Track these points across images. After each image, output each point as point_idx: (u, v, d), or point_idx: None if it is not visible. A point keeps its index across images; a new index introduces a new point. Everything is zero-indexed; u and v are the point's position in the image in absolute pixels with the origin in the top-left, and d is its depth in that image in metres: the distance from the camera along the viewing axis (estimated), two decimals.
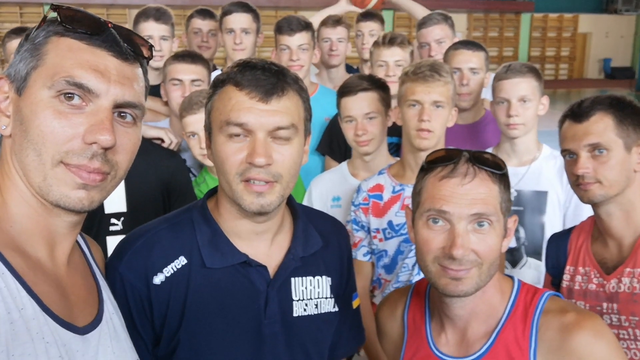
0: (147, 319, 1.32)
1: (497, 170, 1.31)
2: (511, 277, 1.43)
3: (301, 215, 1.45)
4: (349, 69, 3.81)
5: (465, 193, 1.28)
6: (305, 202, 2.58)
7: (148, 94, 1.15)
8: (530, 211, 2.49)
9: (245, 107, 1.24)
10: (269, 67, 1.27)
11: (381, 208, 2.28)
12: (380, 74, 2.88)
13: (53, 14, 1.01)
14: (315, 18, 3.62)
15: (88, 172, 0.98)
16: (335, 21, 3.43)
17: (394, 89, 2.56)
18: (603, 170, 1.73)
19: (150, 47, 1.10)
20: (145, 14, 3.16)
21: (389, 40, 2.97)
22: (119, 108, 1.02)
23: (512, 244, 2.47)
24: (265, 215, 1.30)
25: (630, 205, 1.77)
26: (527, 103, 2.44)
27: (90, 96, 0.98)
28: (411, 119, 2.16)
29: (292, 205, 1.46)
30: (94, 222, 2.24)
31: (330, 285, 1.46)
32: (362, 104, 2.35)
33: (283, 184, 1.28)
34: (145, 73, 1.11)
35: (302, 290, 1.40)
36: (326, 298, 1.44)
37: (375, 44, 3.06)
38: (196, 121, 2.40)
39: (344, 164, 2.61)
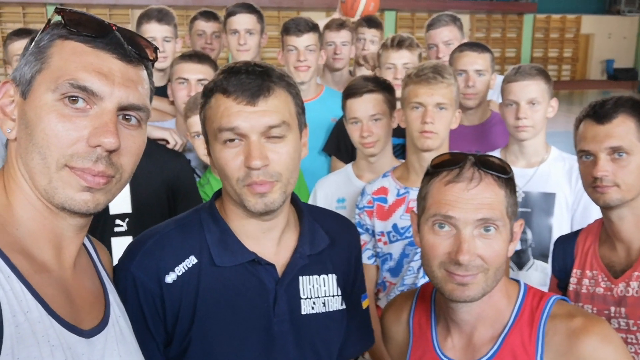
0: (160, 319, 1.33)
1: (503, 175, 1.30)
2: (517, 281, 1.42)
3: (306, 214, 1.47)
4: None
5: (471, 198, 1.26)
6: (310, 203, 2.56)
7: (153, 95, 1.14)
8: (538, 213, 2.48)
9: (234, 112, 1.26)
10: (252, 70, 1.29)
11: (386, 211, 2.27)
12: (388, 76, 2.87)
13: (57, 17, 1.01)
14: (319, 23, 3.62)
15: (92, 175, 0.98)
16: (339, 25, 3.43)
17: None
18: (622, 174, 1.70)
19: (155, 49, 1.10)
20: (147, 16, 3.15)
21: (397, 43, 2.96)
22: (124, 111, 1.02)
23: (519, 246, 2.45)
24: (270, 213, 1.32)
25: None
26: (536, 105, 2.43)
27: (94, 99, 0.98)
28: (414, 121, 2.16)
29: (298, 204, 1.48)
30: (99, 223, 2.24)
31: (338, 282, 1.47)
32: (367, 105, 2.35)
33: (284, 181, 1.29)
34: (150, 75, 1.11)
35: (310, 289, 1.41)
36: (333, 296, 1.45)
37: (384, 46, 3.05)
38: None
39: (349, 165, 2.61)
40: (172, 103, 2.84)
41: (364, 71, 3.49)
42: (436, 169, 1.34)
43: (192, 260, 1.34)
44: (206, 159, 2.44)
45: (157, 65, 2.97)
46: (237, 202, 1.31)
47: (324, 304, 1.43)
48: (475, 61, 2.84)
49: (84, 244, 1.18)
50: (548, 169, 2.49)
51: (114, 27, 1.02)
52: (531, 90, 2.43)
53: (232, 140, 1.27)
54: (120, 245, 2.27)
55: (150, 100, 1.10)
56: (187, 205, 2.42)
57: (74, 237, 1.07)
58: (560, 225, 2.46)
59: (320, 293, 1.43)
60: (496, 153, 2.57)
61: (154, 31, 3.11)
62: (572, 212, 2.46)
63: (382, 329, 1.62)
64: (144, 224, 2.28)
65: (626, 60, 27.76)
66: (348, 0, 3.69)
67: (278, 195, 1.28)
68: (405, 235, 2.21)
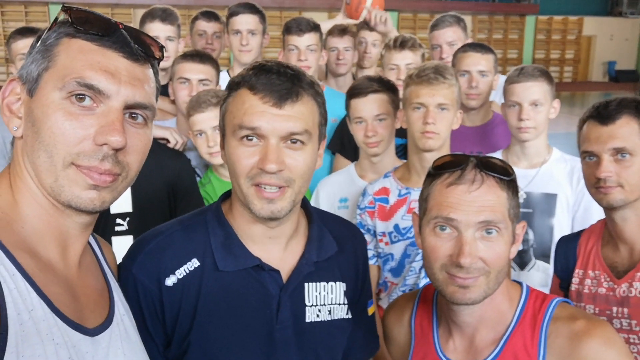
0: (159, 320, 1.31)
1: (505, 177, 1.29)
2: (520, 283, 1.41)
3: (316, 220, 1.43)
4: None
5: (473, 200, 1.25)
6: (312, 203, 2.56)
7: (159, 94, 1.14)
8: (540, 213, 2.48)
9: (258, 111, 1.22)
10: (284, 71, 1.25)
11: (387, 211, 2.27)
12: (391, 77, 2.88)
13: (64, 16, 1.01)
14: (322, 26, 3.61)
15: (99, 173, 0.98)
16: (341, 30, 3.44)
17: None
18: (626, 175, 1.70)
19: (161, 48, 1.10)
20: (151, 15, 3.16)
21: (400, 44, 2.97)
22: (130, 109, 1.02)
23: (521, 246, 2.45)
24: (277, 220, 1.29)
25: None
26: (539, 107, 2.43)
27: (101, 97, 0.98)
28: (416, 121, 2.16)
29: (308, 209, 1.44)
30: (100, 222, 2.23)
31: (345, 291, 1.44)
32: (372, 105, 2.35)
33: (295, 189, 1.26)
34: (156, 74, 1.10)
35: (316, 296, 1.38)
36: (339, 304, 1.42)
37: (387, 47, 3.06)
38: (203, 120, 2.40)
39: (352, 165, 2.61)
40: (173, 102, 2.84)
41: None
42: (438, 170, 1.33)
43: (194, 263, 1.31)
44: (208, 158, 2.44)
45: (160, 64, 2.95)
46: (243, 203, 1.28)
47: (329, 311, 1.40)
48: (479, 62, 2.84)
49: (89, 243, 1.18)
50: (550, 170, 2.49)
51: (120, 26, 1.02)
52: (534, 91, 2.42)
53: (250, 138, 1.23)
54: (120, 244, 2.26)
55: (156, 99, 1.10)
56: (187, 205, 2.43)
57: (80, 235, 1.07)
58: (561, 225, 2.46)
59: (326, 300, 1.40)
60: (498, 154, 2.57)
61: (157, 30, 3.11)
62: (573, 212, 2.46)
63: (384, 330, 1.61)
64: (144, 223, 2.29)
65: (628, 62, 27.76)
66: (353, 3, 3.68)
67: (287, 203, 1.25)
68: (407, 236, 2.21)
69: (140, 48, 1.03)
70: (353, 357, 1.53)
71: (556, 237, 2.41)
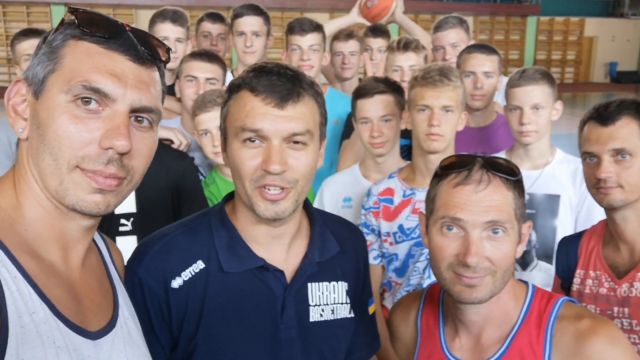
0: (165, 322, 1.32)
1: (512, 177, 1.30)
2: (525, 283, 1.42)
3: (318, 220, 1.44)
4: None
5: (480, 200, 1.26)
6: (316, 203, 2.58)
7: (165, 96, 1.14)
8: (543, 214, 2.49)
9: (260, 113, 1.23)
10: (284, 72, 1.26)
11: (392, 212, 2.28)
12: (395, 78, 2.85)
13: (71, 17, 1.00)
14: (327, 26, 3.63)
15: (104, 177, 0.98)
16: (347, 35, 3.45)
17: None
18: (626, 176, 1.72)
19: (168, 50, 1.09)
20: (162, 16, 3.18)
21: (404, 45, 2.99)
22: (136, 112, 1.01)
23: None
24: (280, 221, 1.30)
25: None
26: (540, 110, 2.43)
27: (106, 101, 0.97)
28: (421, 123, 2.16)
29: (309, 209, 1.45)
30: (104, 223, 2.24)
31: (347, 291, 1.45)
32: (378, 106, 2.36)
33: (298, 189, 1.27)
34: (162, 76, 1.10)
35: (319, 296, 1.40)
36: (342, 304, 1.44)
37: (390, 49, 3.08)
38: (209, 119, 2.42)
39: (356, 165, 2.62)
40: (179, 100, 2.85)
41: None
42: (445, 170, 1.34)
43: (199, 265, 1.32)
44: (213, 157, 2.46)
45: (167, 65, 2.96)
46: (247, 205, 1.29)
47: (332, 311, 1.41)
48: (484, 63, 2.85)
49: (95, 243, 1.18)
50: (553, 171, 2.50)
51: (127, 28, 1.01)
52: (535, 95, 2.42)
53: (252, 140, 1.24)
54: (124, 244, 2.27)
55: (162, 102, 1.10)
56: (191, 205, 2.43)
57: (82, 237, 1.06)
58: (564, 226, 2.47)
59: (329, 300, 1.41)
60: (501, 155, 2.57)
61: (167, 31, 3.13)
62: (576, 213, 2.47)
63: (390, 329, 1.63)
64: (148, 223, 2.30)
65: (629, 63, 27.74)
66: (373, 10, 3.73)
67: (290, 204, 1.26)
68: (411, 236, 2.22)
69: (146, 50, 1.03)
70: (355, 356, 1.54)
71: (559, 238, 2.41)
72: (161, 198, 2.36)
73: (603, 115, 1.75)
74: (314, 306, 1.38)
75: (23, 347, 0.86)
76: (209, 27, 3.56)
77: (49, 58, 0.99)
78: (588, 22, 27.18)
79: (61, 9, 20.94)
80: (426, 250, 2.15)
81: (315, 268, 1.38)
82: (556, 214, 2.48)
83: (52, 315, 0.93)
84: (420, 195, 2.22)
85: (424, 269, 2.18)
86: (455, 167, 1.32)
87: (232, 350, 1.31)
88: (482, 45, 2.99)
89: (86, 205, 0.98)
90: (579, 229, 2.35)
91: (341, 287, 1.44)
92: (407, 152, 2.80)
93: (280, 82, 1.24)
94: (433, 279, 1.43)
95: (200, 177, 2.68)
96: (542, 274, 2.53)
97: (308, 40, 3.06)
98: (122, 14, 21.17)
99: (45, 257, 0.99)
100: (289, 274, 1.35)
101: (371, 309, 1.59)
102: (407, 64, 2.99)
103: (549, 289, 2.23)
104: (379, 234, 2.33)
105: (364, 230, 2.33)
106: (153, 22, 3.22)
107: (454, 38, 3.30)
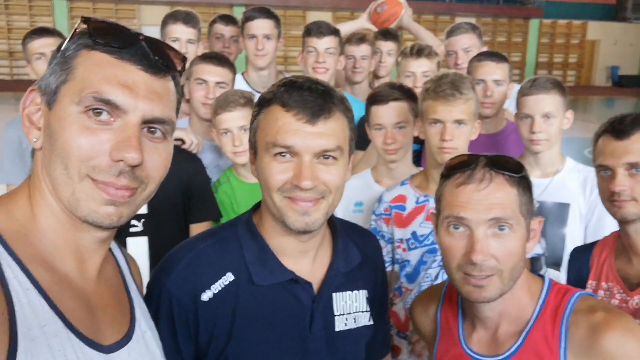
0: (190, 335, 1.32)
1: (515, 174, 1.31)
2: (542, 277, 1.42)
3: (340, 231, 1.46)
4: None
5: (483, 198, 1.28)
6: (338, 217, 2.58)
7: (180, 105, 1.12)
8: (552, 223, 2.49)
9: (292, 129, 1.23)
10: (315, 87, 1.26)
11: (404, 218, 2.28)
12: (407, 84, 2.87)
13: (83, 27, 0.99)
14: (342, 28, 3.64)
15: (116, 188, 0.97)
16: (359, 39, 3.46)
17: None
18: None
19: (183, 59, 1.07)
20: (174, 17, 3.19)
21: (417, 52, 3.00)
22: (148, 123, 1.00)
23: (537, 250, 2.46)
24: (309, 233, 1.30)
25: None
26: (551, 119, 2.43)
27: (118, 112, 0.96)
28: (433, 136, 2.16)
29: (331, 220, 1.46)
30: None
31: (367, 298, 1.48)
32: (392, 113, 2.36)
33: (329, 201, 1.28)
34: (177, 85, 1.08)
35: (343, 305, 1.42)
36: (363, 312, 1.46)
37: (403, 55, 3.10)
38: (230, 119, 2.43)
39: (368, 170, 2.62)
40: (188, 101, 2.85)
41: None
42: (449, 171, 1.36)
43: (229, 277, 1.32)
44: (232, 157, 2.47)
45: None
46: (277, 217, 1.29)
47: (355, 319, 1.43)
48: (494, 71, 2.86)
49: (113, 256, 1.17)
50: (563, 180, 2.51)
51: (140, 37, 1.00)
52: (546, 104, 2.43)
53: (283, 155, 1.24)
54: (135, 245, 2.28)
55: (177, 112, 1.08)
56: (201, 207, 2.46)
57: (97, 249, 1.05)
58: (573, 235, 2.48)
59: (351, 309, 1.43)
60: None
61: (179, 32, 3.14)
62: (585, 222, 2.48)
63: (412, 321, 1.67)
64: (159, 224, 2.32)
65: (631, 67, 27.78)
66: (383, 15, 3.75)
67: (320, 215, 1.27)
68: (425, 243, 2.23)
69: (160, 60, 1.01)
70: (374, 356, 1.58)
71: (568, 246, 2.43)
72: (172, 199, 2.36)
73: (618, 129, 1.76)
74: (339, 316, 1.40)
75: None
76: (222, 29, 3.57)
77: (61, 68, 0.98)
78: (590, 25, 27.21)
79: (63, 4, 20.94)
80: (439, 257, 2.16)
81: (341, 279, 1.40)
82: (565, 222, 2.48)
83: (64, 328, 0.92)
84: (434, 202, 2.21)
85: (436, 276, 2.19)
86: (459, 167, 1.34)
87: None
88: (492, 53, 3.00)
89: (98, 217, 0.97)
90: (589, 238, 2.36)
91: (362, 295, 1.46)
92: (417, 157, 2.81)
93: (311, 97, 1.24)
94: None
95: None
96: None
97: (324, 43, 3.08)
98: (124, 9, 21.14)
99: (60, 268, 0.99)
100: (315, 285, 1.37)
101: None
102: (420, 70, 3.00)
103: None
104: (389, 240, 2.33)
105: None
106: (165, 23, 3.23)
107: (467, 43, 3.33)
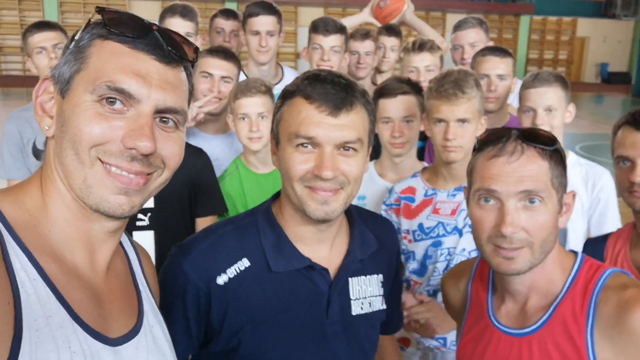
0: (202, 316, 1.36)
1: (547, 146, 1.31)
2: (575, 253, 1.42)
3: (357, 219, 1.50)
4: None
5: (513, 171, 1.28)
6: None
7: (192, 95, 1.13)
8: None
9: (314, 121, 1.27)
10: (338, 81, 1.31)
11: (412, 210, 2.30)
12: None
13: (98, 17, 0.99)
14: (346, 22, 3.65)
15: (130, 172, 0.97)
16: (363, 35, 3.46)
17: None
18: None
19: (196, 50, 1.08)
20: (172, 10, 3.20)
21: (419, 46, 3.03)
22: (160, 113, 1.01)
23: None
24: (328, 222, 1.34)
25: None
26: (554, 112, 2.46)
27: (131, 101, 0.96)
28: (437, 134, 2.17)
29: (348, 209, 1.49)
30: None
31: (382, 282, 1.53)
32: (400, 107, 2.38)
33: (348, 191, 1.32)
34: (189, 76, 1.09)
35: (359, 290, 1.46)
36: (377, 296, 1.51)
37: (405, 50, 3.12)
38: (250, 104, 2.46)
39: (371, 163, 2.63)
40: None
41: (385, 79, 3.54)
42: (482, 145, 1.37)
43: (244, 262, 1.36)
44: (247, 142, 2.50)
45: None
46: (297, 205, 1.33)
47: (370, 304, 1.48)
48: (498, 66, 2.87)
49: (123, 249, 1.18)
50: None
51: (154, 27, 1.01)
52: (548, 97, 2.45)
53: (305, 145, 1.29)
54: (141, 239, 2.28)
55: (189, 102, 1.09)
56: (207, 201, 2.47)
57: (108, 239, 1.05)
58: (574, 229, 2.50)
59: (367, 293, 1.47)
60: None
61: (177, 26, 3.13)
62: (587, 217, 2.50)
63: (443, 294, 1.70)
64: (165, 218, 2.32)
65: (620, 64, 27.97)
66: (385, 10, 3.76)
67: (339, 205, 1.31)
68: (430, 236, 2.25)
69: (173, 50, 1.01)
70: (390, 327, 1.68)
71: (570, 240, 2.45)
72: (178, 193, 2.37)
73: (638, 120, 1.79)
74: (355, 300, 1.44)
75: (36, 352, 0.86)
76: (222, 23, 3.58)
77: (75, 57, 0.98)
78: (580, 22, 27.35)
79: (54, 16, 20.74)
80: (445, 250, 2.18)
81: (358, 265, 1.45)
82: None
83: (69, 319, 0.92)
84: (442, 196, 2.24)
85: (444, 270, 2.20)
86: (491, 140, 1.35)
87: (280, 346, 1.36)
88: (496, 48, 3.02)
89: (109, 206, 0.97)
90: (593, 234, 2.38)
91: (376, 279, 1.51)
92: (420, 154, 2.82)
93: (334, 90, 1.29)
94: None
95: None
96: None
97: (330, 41, 3.08)
98: (115, 4, 20.98)
99: (69, 259, 0.99)
100: (332, 270, 1.41)
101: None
102: (423, 64, 3.02)
103: None
104: (398, 231, 2.34)
105: None
106: (162, 17, 3.24)
107: (473, 38, 3.36)
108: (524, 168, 1.29)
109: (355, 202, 2.54)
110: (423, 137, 2.66)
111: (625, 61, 28.05)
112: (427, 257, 2.25)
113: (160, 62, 1.00)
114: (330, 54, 3.08)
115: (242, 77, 3.29)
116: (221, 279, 1.34)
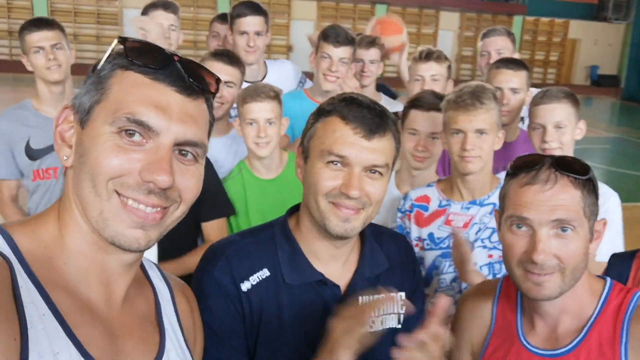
0: (241, 320, 1.40)
1: (581, 176, 1.32)
2: (604, 278, 1.43)
3: (369, 237, 1.53)
4: (381, 88, 3.78)
5: (547, 199, 1.29)
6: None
7: (212, 127, 1.11)
8: None
9: (348, 141, 1.33)
10: (373, 107, 1.37)
11: (424, 218, 2.31)
12: (416, 88, 2.93)
13: (119, 47, 0.98)
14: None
15: (147, 206, 0.95)
16: (369, 42, 3.41)
17: None
18: None
19: (217, 81, 1.06)
20: (154, 5, 3.29)
21: (426, 56, 3.03)
22: (180, 146, 0.99)
23: None
24: (345, 239, 1.39)
25: None
26: (563, 129, 2.45)
27: (150, 134, 0.95)
28: (455, 145, 2.17)
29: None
30: None
31: (401, 300, 1.52)
32: (430, 122, 2.39)
33: (368, 212, 1.37)
34: (210, 107, 1.07)
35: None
36: (390, 314, 1.50)
37: (413, 59, 3.12)
38: (259, 110, 2.44)
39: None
40: None
41: None
42: (515, 170, 1.38)
43: (265, 272, 1.42)
44: (254, 147, 2.48)
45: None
46: (317, 219, 1.37)
47: (382, 322, 1.48)
48: (511, 79, 2.85)
49: (151, 283, 1.16)
50: None
51: (175, 58, 0.99)
52: (557, 113, 2.44)
53: (335, 163, 1.34)
54: None
55: (209, 134, 1.07)
56: (212, 206, 2.47)
57: (124, 273, 1.04)
58: None
59: (378, 311, 1.46)
60: None
61: (161, 18, 3.19)
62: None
63: (457, 313, 1.65)
64: None
65: (610, 67, 28.20)
66: (385, 24, 3.76)
67: (359, 224, 1.36)
68: (440, 246, 2.25)
69: (194, 82, 1.00)
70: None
71: None
72: None
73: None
74: None
75: None
76: (218, 27, 3.64)
77: (96, 88, 0.97)
78: (572, 24, 27.51)
79: (43, 3, 20.43)
80: (452, 263, 2.17)
81: (365, 284, 1.47)
82: None
83: (78, 356, 0.91)
84: (455, 208, 2.25)
85: (451, 281, 2.21)
86: (524, 166, 1.36)
87: (288, 357, 1.40)
88: (510, 60, 2.99)
89: (125, 240, 0.96)
90: (592, 255, 2.38)
91: (393, 297, 1.50)
92: None
93: (370, 115, 1.34)
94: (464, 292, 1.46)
95: None
96: None
97: (340, 52, 3.04)
98: (109, 6, 20.74)
99: (84, 292, 0.98)
100: (343, 287, 1.46)
101: None
102: (429, 73, 3.02)
103: None
104: (408, 236, 2.35)
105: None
106: (146, 11, 3.30)
107: (500, 44, 3.44)
108: (557, 197, 1.29)
109: None
110: None
111: (615, 64, 28.28)
112: (433, 267, 2.25)
113: (181, 94, 0.98)
114: (338, 65, 3.04)
115: None
116: (244, 286, 1.40)
